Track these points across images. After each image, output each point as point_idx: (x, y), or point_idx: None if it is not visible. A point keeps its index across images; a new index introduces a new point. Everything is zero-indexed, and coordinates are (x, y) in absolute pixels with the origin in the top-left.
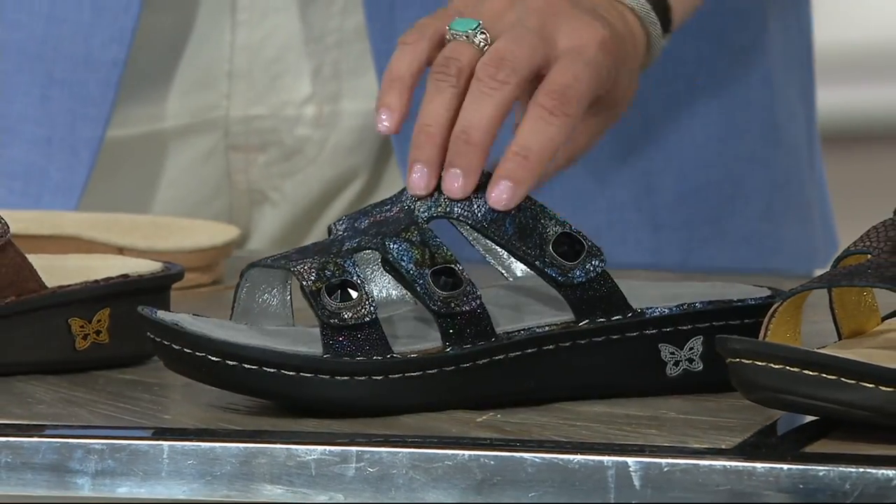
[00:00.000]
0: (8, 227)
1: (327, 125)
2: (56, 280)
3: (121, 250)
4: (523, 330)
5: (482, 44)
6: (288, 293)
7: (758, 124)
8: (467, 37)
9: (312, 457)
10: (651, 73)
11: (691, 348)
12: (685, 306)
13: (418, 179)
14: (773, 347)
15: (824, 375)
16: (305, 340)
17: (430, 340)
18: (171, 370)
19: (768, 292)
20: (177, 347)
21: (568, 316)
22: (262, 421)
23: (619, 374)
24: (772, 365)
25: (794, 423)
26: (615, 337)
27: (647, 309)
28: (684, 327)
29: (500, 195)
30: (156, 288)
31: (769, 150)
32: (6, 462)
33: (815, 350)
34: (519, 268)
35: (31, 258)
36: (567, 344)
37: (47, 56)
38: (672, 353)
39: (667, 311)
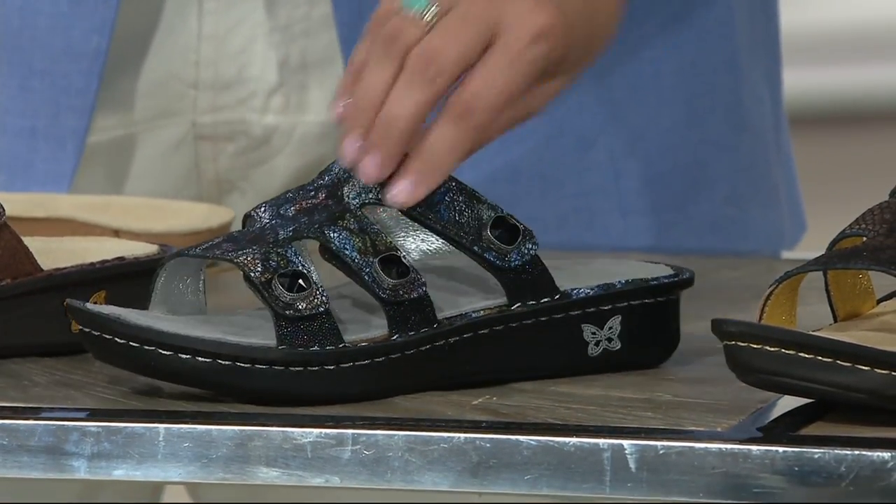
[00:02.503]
0: (3, 210)
1: (295, 115)
2: (52, 263)
3: (116, 233)
4: (461, 315)
5: (432, 19)
6: (201, 282)
7: (723, 108)
8: (418, 15)
9: (308, 439)
10: (615, 58)
11: (610, 328)
12: (606, 286)
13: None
14: (769, 330)
15: (820, 358)
16: (253, 329)
17: (376, 328)
18: (113, 365)
19: (672, 271)
20: (121, 341)
21: (500, 299)
22: (259, 404)
23: (547, 355)
24: (767, 348)
25: (789, 405)
26: (543, 319)
27: (572, 290)
28: (605, 307)
29: (398, 194)
30: (151, 270)
31: (735, 134)
32: (2, 444)
33: (811, 332)
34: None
35: (26, 241)
36: (500, 328)
37: (24, 47)
38: (593, 333)
39: (590, 291)
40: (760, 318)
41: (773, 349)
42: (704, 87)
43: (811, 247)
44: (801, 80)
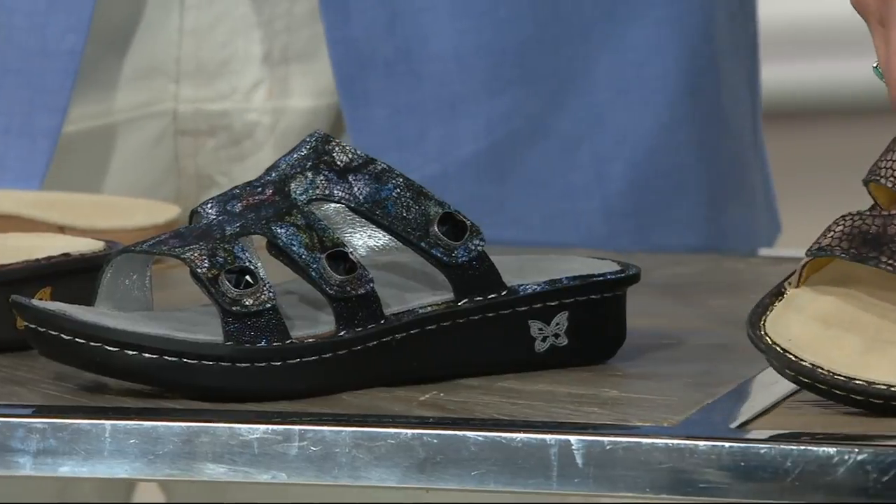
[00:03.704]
0: None
1: (277, 110)
2: None
3: (62, 229)
4: (407, 311)
5: None
6: (147, 278)
7: (705, 111)
8: None
9: (255, 436)
10: (600, 62)
11: (557, 323)
12: (552, 282)
13: None
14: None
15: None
16: (200, 325)
17: (323, 324)
18: (59, 361)
19: (619, 267)
20: (67, 338)
21: (447, 295)
22: (205, 400)
23: (494, 351)
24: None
25: (736, 400)
26: (490, 315)
27: (519, 286)
28: (552, 303)
29: None
30: (97, 267)
31: (715, 136)
32: None
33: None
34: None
35: None
36: (448, 324)
37: None
38: (540, 329)
39: (537, 287)
40: (798, 282)
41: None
42: (687, 90)
43: (784, 244)
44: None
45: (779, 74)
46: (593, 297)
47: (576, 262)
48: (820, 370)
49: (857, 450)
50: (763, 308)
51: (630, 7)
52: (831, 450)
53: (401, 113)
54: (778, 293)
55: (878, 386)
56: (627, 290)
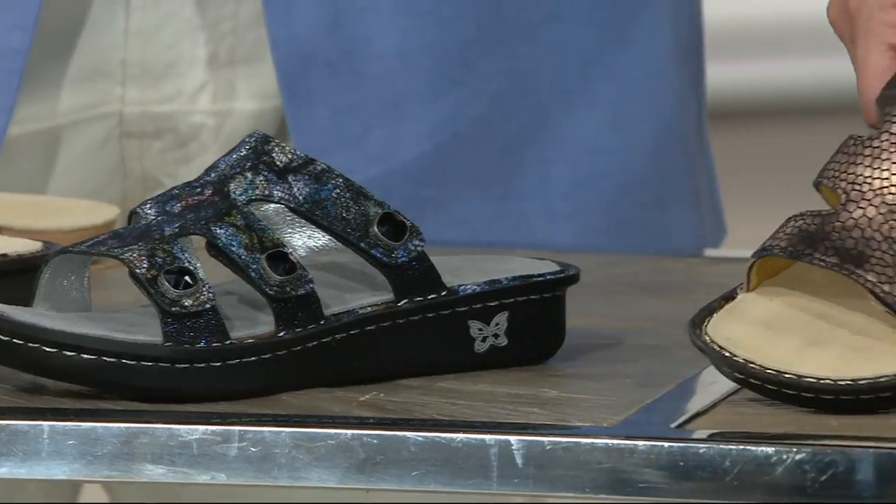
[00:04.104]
0: None
1: (222, 112)
2: None
3: None
4: (347, 312)
5: None
6: (86, 278)
7: (649, 114)
8: None
9: (194, 436)
10: (544, 63)
11: (497, 324)
12: (492, 282)
13: None
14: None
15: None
16: (139, 326)
17: (263, 324)
18: None
19: (558, 267)
20: (5, 338)
21: (387, 295)
22: (144, 401)
23: (434, 351)
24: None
25: (675, 400)
26: (430, 315)
27: (459, 286)
28: (491, 304)
29: None
30: (35, 267)
31: (660, 139)
32: None
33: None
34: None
35: None
36: (387, 324)
37: None
38: (480, 330)
39: (476, 288)
40: (748, 287)
41: None
42: (632, 93)
43: (729, 244)
44: (717, 75)
45: (724, 74)
46: (533, 297)
47: (515, 262)
48: (752, 364)
49: (795, 449)
50: (709, 311)
51: (572, 8)
52: (770, 449)
53: (343, 113)
54: (728, 297)
55: (808, 379)
56: (567, 290)
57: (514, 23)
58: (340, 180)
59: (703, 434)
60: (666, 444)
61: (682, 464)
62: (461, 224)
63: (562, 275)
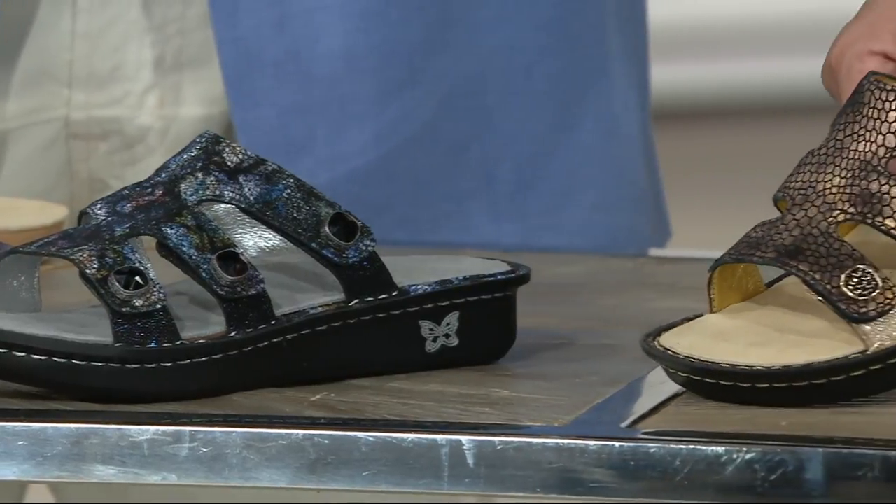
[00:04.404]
0: None
1: (169, 115)
2: None
3: None
4: (298, 312)
5: None
6: (35, 279)
7: (594, 115)
8: None
9: (145, 437)
10: (490, 65)
11: (448, 324)
12: (443, 283)
13: None
14: None
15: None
16: (89, 326)
17: (213, 324)
18: None
19: (509, 267)
20: None
21: (338, 295)
22: (94, 402)
23: (385, 351)
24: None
25: (625, 400)
26: (381, 315)
27: (410, 287)
28: (442, 304)
29: None
30: None
31: (605, 141)
32: None
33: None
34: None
35: None
36: (338, 324)
37: None
38: (431, 330)
39: (427, 288)
40: (710, 305)
41: None
42: (576, 94)
43: (674, 243)
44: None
45: (667, 75)
46: (484, 297)
47: (466, 262)
48: (691, 358)
49: (745, 449)
50: (668, 326)
51: (519, 10)
52: (720, 449)
53: (290, 114)
54: (692, 318)
55: (741, 367)
56: (517, 290)
57: (461, 25)
58: (291, 180)
59: (653, 433)
60: (616, 444)
61: (632, 463)
62: (407, 225)
63: (512, 275)
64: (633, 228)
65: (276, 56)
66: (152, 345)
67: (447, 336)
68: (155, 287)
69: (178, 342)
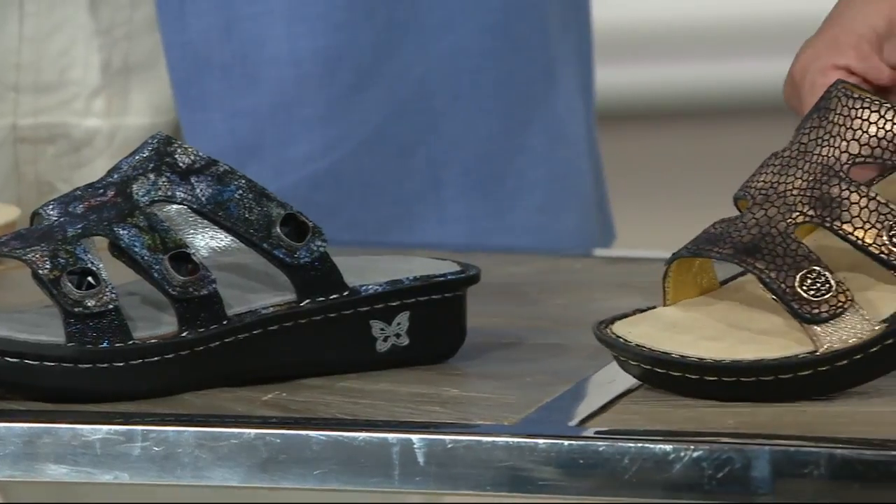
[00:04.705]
0: None
1: (117, 118)
2: None
3: None
4: (250, 312)
5: None
6: None
7: (540, 119)
8: None
9: (97, 436)
10: (436, 67)
11: (398, 323)
12: (394, 283)
13: None
14: None
15: None
16: (41, 326)
17: (165, 324)
18: None
19: (459, 267)
20: None
21: (289, 296)
22: (47, 401)
23: (336, 351)
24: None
25: (574, 399)
26: (332, 315)
27: (361, 287)
28: (393, 304)
29: None
30: None
31: (551, 144)
32: None
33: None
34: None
35: None
36: (290, 324)
37: None
38: (382, 329)
39: (378, 288)
40: (664, 300)
41: None
42: (522, 98)
43: (619, 244)
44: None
45: (611, 77)
46: (434, 297)
47: (416, 262)
48: (642, 347)
49: (692, 447)
50: (622, 315)
51: (465, 15)
52: (668, 447)
53: (238, 117)
54: (645, 309)
55: (691, 358)
56: (467, 289)
57: (407, 29)
58: (243, 181)
59: (601, 432)
60: (565, 443)
61: (581, 461)
62: (355, 228)
63: (462, 275)
64: (578, 230)
65: (223, 60)
66: (105, 345)
67: (398, 336)
68: (107, 287)
69: (131, 342)
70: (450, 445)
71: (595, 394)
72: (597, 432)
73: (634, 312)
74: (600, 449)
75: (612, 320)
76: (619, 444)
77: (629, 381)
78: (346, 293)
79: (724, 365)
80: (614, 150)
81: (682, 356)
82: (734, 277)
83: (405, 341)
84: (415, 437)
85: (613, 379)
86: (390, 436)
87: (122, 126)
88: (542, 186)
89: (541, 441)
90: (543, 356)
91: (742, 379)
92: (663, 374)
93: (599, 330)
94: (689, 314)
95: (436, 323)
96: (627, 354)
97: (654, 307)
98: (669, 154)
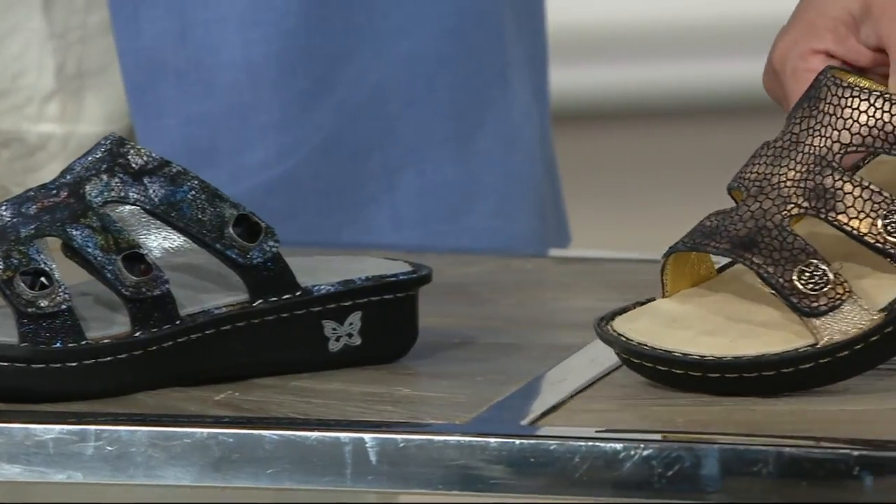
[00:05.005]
0: None
1: (71, 122)
2: None
3: None
4: (203, 312)
5: None
6: None
7: (494, 123)
8: None
9: (50, 436)
10: (391, 73)
11: (351, 323)
12: (346, 283)
13: None
14: None
15: None
16: None
17: (118, 325)
18: None
19: (411, 267)
20: None
21: (242, 296)
22: (0, 401)
23: (289, 351)
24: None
25: (526, 398)
26: (285, 315)
27: (314, 287)
28: (345, 303)
29: None
30: None
31: (505, 148)
32: None
33: None
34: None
35: None
36: (242, 324)
37: None
38: (334, 329)
39: (330, 288)
40: (663, 292)
41: None
42: (477, 103)
43: (574, 244)
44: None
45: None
46: (386, 297)
47: (369, 262)
48: (644, 346)
49: (643, 445)
50: (621, 310)
51: (421, 21)
52: (618, 446)
53: (192, 123)
54: (644, 302)
55: (693, 356)
56: (420, 289)
57: (362, 34)
58: (196, 182)
59: (552, 431)
60: (517, 441)
61: (532, 460)
62: (309, 233)
63: (414, 275)
64: (533, 235)
65: (177, 66)
66: (58, 345)
67: (350, 335)
68: (60, 288)
69: (84, 342)
70: (402, 444)
71: (546, 393)
72: (548, 431)
73: (634, 306)
74: (551, 448)
75: (612, 316)
76: (570, 443)
77: (580, 380)
78: (298, 293)
79: (727, 362)
80: (567, 151)
81: (684, 354)
82: (731, 264)
83: (357, 341)
84: (367, 437)
85: (565, 378)
86: (343, 435)
87: (76, 130)
88: (496, 190)
89: (492, 440)
90: (495, 355)
91: (745, 375)
92: (666, 372)
93: (600, 327)
94: (687, 307)
95: (388, 323)
96: (630, 353)
97: (652, 299)
98: (621, 155)
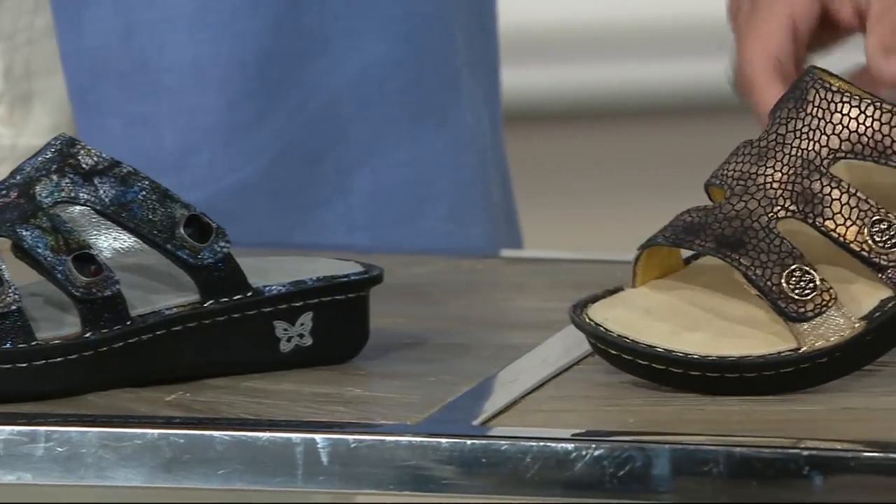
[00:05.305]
0: None
1: (19, 124)
2: None
3: None
4: (153, 312)
5: None
6: None
7: (446, 127)
8: None
9: (0, 437)
10: (343, 76)
11: (302, 324)
12: (297, 283)
13: None
14: None
15: None
16: None
17: (69, 325)
18: None
19: (362, 268)
20: None
21: (193, 296)
22: None
23: (240, 351)
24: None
25: (477, 398)
26: (236, 316)
27: (265, 287)
28: (296, 304)
29: None
30: None
31: (456, 152)
32: None
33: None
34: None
35: None
36: (193, 325)
37: None
38: (285, 330)
39: (282, 288)
40: (634, 283)
41: None
42: (428, 106)
43: (526, 245)
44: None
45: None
46: (337, 297)
47: (320, 263)
48: (625, 339)
49: (594, 446)
50: (592, 298)
51: (371, 23)
52: (569, 446)
53: (136, 124)
54: (613, 290)
55: (677, 353)
56: (371, 290)
57: (313, 36)
58: (146, 183)
59: (504, 431)
60: (468, 442)
61: (483, 460)
62: (261, 233)
63: (366, 275)
64: (485, 239)
65: (121, 67)
66: (7, 346)
67: (301, 336)
68: (10, 288)
69: (34, 343)
70: (353, 445)
71: (498, 393)
72: (499, 431)
73: (605, 294)
74: (503, 448)
75: (585, 304)
76: (522, 443)
77: (531, 380)
78: (249, 294)
79: (710, 361)
80: (517, 152)
81: (667, 350)
82: (696, 256)
83: (308, 341)
84: (318, 437)
85: (516, 378)
86: (294, 435)
87: (24, 132)
88: (448, 194)
89: (443, 440)
90: (446, 356)
91: (726, 375)
92: (645, 366)
93: (576, 315)
94: (661, 297)
95: (339, 323)
96: (607, 344)
97: (621, 288)
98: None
